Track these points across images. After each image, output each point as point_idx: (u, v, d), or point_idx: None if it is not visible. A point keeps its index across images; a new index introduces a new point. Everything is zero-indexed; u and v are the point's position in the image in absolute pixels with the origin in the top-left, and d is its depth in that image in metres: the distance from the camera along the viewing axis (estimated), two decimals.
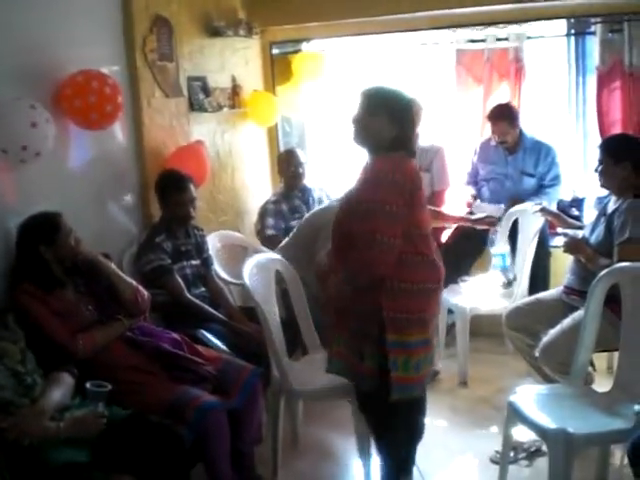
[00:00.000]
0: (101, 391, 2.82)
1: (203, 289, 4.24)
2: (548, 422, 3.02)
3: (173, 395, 3.14)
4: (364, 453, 3.51)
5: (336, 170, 6.37)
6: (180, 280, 4.04)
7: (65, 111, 3.76)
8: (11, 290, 3.34)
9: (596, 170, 4.01)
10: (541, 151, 5.23)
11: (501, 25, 5.61)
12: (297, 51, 6.08)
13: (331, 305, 3.12)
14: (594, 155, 5.45)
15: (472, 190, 5.56)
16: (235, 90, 5.43)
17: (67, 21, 3.88)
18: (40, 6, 3.69)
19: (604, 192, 4.28)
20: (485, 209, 5.28)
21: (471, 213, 5.37)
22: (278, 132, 6.17)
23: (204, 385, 3.25)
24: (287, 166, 5.27)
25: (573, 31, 5.67)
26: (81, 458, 2.69)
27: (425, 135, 5.51)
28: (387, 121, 2.96)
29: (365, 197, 2.90)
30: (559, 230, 4.55)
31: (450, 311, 4.99)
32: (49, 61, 3.75)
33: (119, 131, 4.26)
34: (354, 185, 3.05)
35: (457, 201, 5.68)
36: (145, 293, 3.55)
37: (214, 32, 5.22)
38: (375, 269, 2.88)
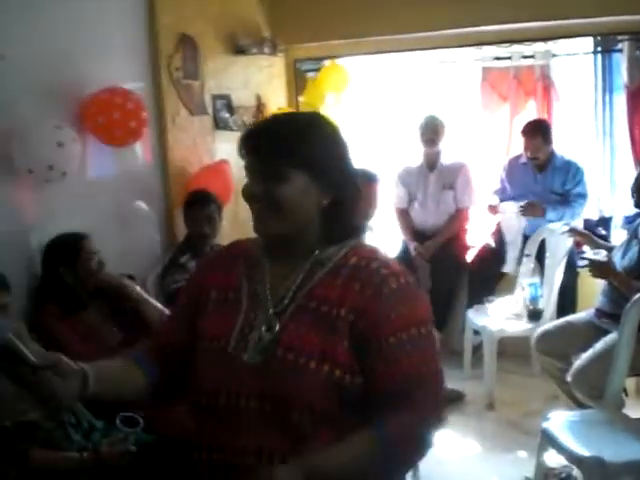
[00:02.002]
0: (131, 431, 2.79)
1: None
2: (583, 450, 2.94)
3: None
4: None
5: None
6: None
7: (89, 128, 3.75)
8: (35, 310, 3.32)
9: (635, 189, 3.89)
10: (570, 170, 5.13)
11: (527, 42, 5.57)
12: (321, 68, 6.05)
13: None
14: (622, 174, 5.44)
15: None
16: (259, 108, 5.41)
17: (93, 39, 3.88)
18: (66, 24, 3.70)
19: (631, 211, 4.20)
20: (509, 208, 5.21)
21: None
22: None
23: None
24: None
25: (600, 49, 5.60)
26: None
27: (448, 152, 5.49)
28: (311, 181, 1.69)
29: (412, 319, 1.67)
30: (586, 253, 4.46)
31: (476, 332, 4.92)
32: (74, 79, 3.76)
33: (144, 149, 4.24)
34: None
35: (482, 219, 5.62)
36: None
37: (239, 50, 5.21)
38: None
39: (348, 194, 1.74)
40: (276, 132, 1.70)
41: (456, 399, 4.65)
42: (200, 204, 4.12)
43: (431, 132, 5.37)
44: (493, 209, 5.36)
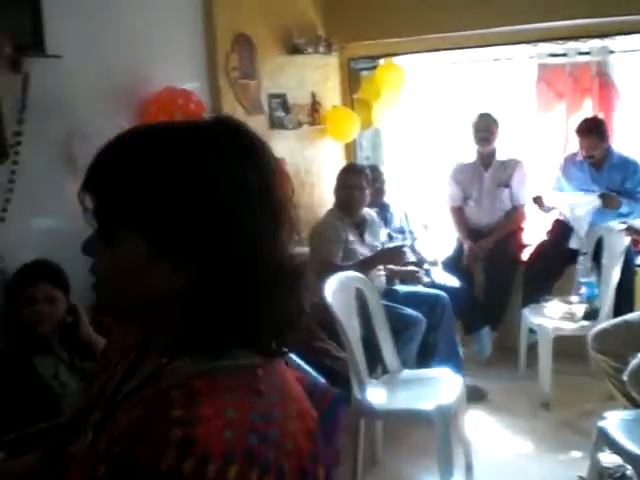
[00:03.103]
0: None
1: None
2: (638, 449, 2.92)
3: None
4: (445, 477, 3.41)
5: (414, 185, 6.36)
6: None
7: None
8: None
9: None
10: (629, 168, 5.07)
11: (583, 39, 5.50)
12: (375, 67, 6.08)
13: None
14: None
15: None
16: (314, 107, 5.46)
17: (152, 40, 3.99)
18: (126, 26, 3.80)
19: None
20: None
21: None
22: (356, 148, 6.15)
23: None
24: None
25: None
26: None
27: (503, 150, 5.46)
28: (152, 248, 1.02)
29: None
30: None
31: (532, 331, 4.89)
32: (134, 80, 3.87)
33: None
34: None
35: (538, 217, 5.57)
36: None
37: (294, 49, 5.27)
38: None
39: (218, 273, 1.00)
40: (103, 166, 1.08)
41: (478, 397, 4.60)
42: None
43: (484, 131, 5.35)
44: (539, 201, 5.32)
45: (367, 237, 4.68)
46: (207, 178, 1.00)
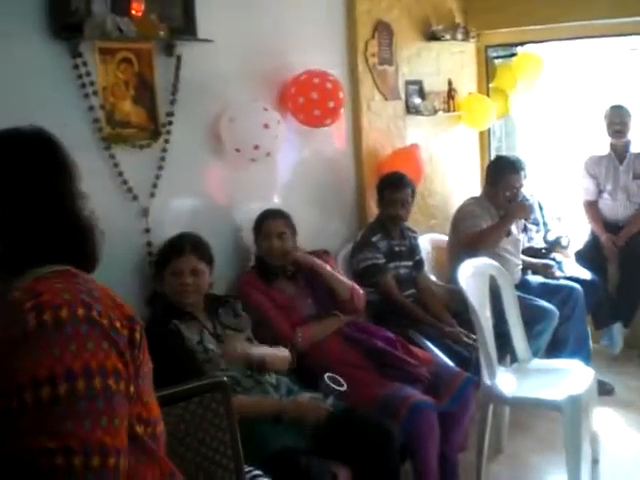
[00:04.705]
0: (337, 389, 2.94)
1: (413, 291, 4.28)
2: None
3: (386, 392, 3.19)
4: (573, 469, 3.38)
5: (547, 175, 6.27)
6: (392, 280, 4.11)
7: (289, 110, 3.95)
8: (237, 278, 3.60)
9: None
10: None
11: None
12: (512, 55, 6.01)
13: None
14: None
15: None
16: (450, 94, 5.44)
17: (295, 27, 4.09)
18: (273, 14, 3.92)
19: None
20: None
21: None
22: (490, 136, 6.11)
23: (416, 385, 3.28)
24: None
25: None
26: (300, 444, 2.79)
27: (638, 142, 5.31)
28: None
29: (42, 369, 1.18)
30: None
31: None
32: (278, 64, 3.98)
33: (339, 133, 4.41)
34: None
35: None
36: (361, 292, 3.65)
37: (432, 36, 5.25)
38: None
39: (21, 212, 1.38)
40: None
41: (604, 392, 4.44)
42: (398, 187, 4.22)
43: (619, 123, 5.21)
44: None
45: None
46: (21, 159, 1.40)
